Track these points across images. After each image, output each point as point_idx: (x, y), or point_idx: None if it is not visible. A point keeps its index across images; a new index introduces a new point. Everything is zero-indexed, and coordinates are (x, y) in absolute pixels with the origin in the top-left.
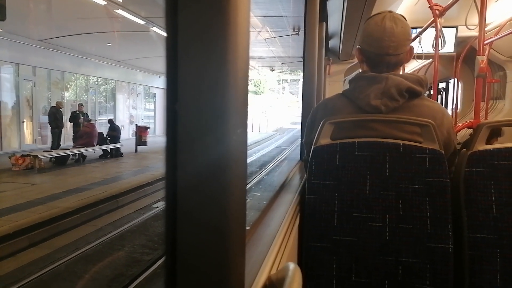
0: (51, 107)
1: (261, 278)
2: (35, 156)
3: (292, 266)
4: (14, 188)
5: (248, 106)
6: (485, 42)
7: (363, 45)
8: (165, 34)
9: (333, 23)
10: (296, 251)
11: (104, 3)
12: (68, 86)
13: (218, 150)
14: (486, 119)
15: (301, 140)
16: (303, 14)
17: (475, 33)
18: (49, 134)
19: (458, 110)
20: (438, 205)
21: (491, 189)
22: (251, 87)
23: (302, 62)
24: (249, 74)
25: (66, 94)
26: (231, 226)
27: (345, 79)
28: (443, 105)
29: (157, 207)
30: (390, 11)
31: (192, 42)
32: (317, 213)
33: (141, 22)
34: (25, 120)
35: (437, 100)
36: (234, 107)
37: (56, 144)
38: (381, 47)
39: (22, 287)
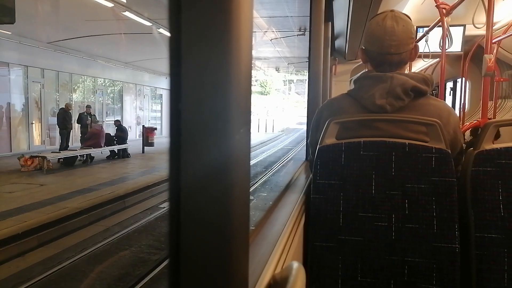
0: (60, 108)
1: (266, 277)
2: (44, 157)
3: (296, 265)
4: (23, 189)
5: (251, 106)
6: (493, 41)
7: (366, 45)
8: (169, 35)
9: (338, 23)
10: (301, 251)
11: (111, 5)
12: (76, 88)
13: (221, 149)
14: (494, 118)
15: (307, 140)
16: (309, 14)
17: (482, 31)
18: (57, 135)
19: (465, 110)
20: (444, 204)
21: (499, 189)
22: (257, 88)
23: (307, 63)
24: (253, 74)
25: (74, 96)
26: (234, 226)
27: (351, 79)
28: (452, 105)
29: (164, 208)
30: (392, 10)
31: (196, 42)
32: (322, 212)
33: (147, 23)
34: (34, 122)
35: (444, 100)
36: (237, 106)
37: (64, 145)
38: (382, 47)
39: (31, 287)
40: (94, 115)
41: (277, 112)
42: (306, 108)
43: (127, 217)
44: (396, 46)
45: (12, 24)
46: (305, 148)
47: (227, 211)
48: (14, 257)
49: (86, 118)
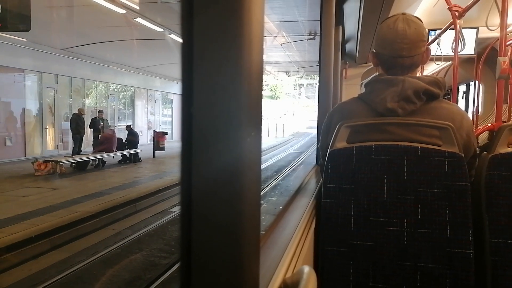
0: (73, 113)
1: (276, 281)
2: (57, 162)
3: (307, 269)
4: (37, 193)
5: (262, 109)
6: (507, 43)
7: (377, 48)
8: (181, 41)
9: (349, 26)
10: (312, 255)
11: (124, 11)
12: (89, 93)
13: (232, 153)
14: (508, 121)
15: (317, 145)
16: (319, 18)
17: (496, 34)
18: (71, 140)
19: (479, 113)
20: (458, 209)
21: None
22: (267, 92)
23: (318, 67)
24: (264, 79)
25: (87, 101)
26: (245, 229)
27: (362, 83)
28: (465, 108)
29: (174, 212)
30: (403, 13)
31: (207, 47)
32: (333, 217)
33: (159, 29)
34: (47, 127)
35: (457, 103)
36: (248, 110)
37: (77, 150)
38: (394, 50)
39: None
40: (106, 120)
41: (288, 117)
42: (317, 112)
43: (138, 221)
44: (408, 49)
45: (28, 31)
46: (316, 152)
47: (238, 215)
48: (27, 260)
49: (98, 123)
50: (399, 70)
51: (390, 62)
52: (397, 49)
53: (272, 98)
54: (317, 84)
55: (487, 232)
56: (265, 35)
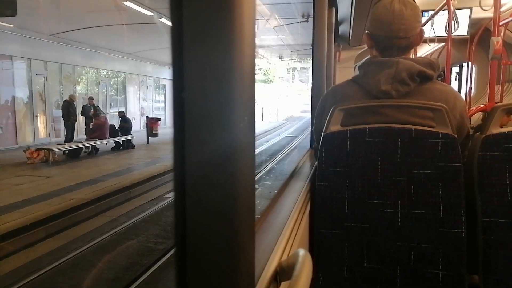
0: (64, 100)
1: (272, 265)
2: (49, 150)
3: (302, 252)
4: (30, 181)
5: (255, 93)
6: (500, 23)
7: (372, 30)
8: (170, 24)
9: (342, 8)
10: (307, 238)
11: None
12: (79, 80)
13: (225, 138)
14: (501, 102)
15: (311, 128)
16: (312, 0)
17: (490, 14)
18: (63, 127)
19: (472, 94)
20: (451, 190)
21: (506, 173)
22: (260, 77)
23: (311, 50)
24: (256, 63)
25: (78, 88)
26: (240, 214)
27: (355, 66)
28: (458, 89)
29: (169, 197)
30: None
31: (198, 30)
32: (328, 200)
33: (149, 13)
34: (38, 114)
35: (450, 84)
36: (240, 94)
37: (69, 137)
38: (391, 30)
39: (41, 276)
40: (98, 106)
41: (281, 101)
42: (311, 96)
43: (133, 208)
44: (405, 29)
45: (14, 16)
46: (310, 136)
47: (232, 199)
48: (24, 248)
49: (89, 110)
50: (395, 51)
51: (386, 43)
52: (394, 30)
53: (265, 82)
54: (310, 67)
55: (479, 211)
56: (257, 18)
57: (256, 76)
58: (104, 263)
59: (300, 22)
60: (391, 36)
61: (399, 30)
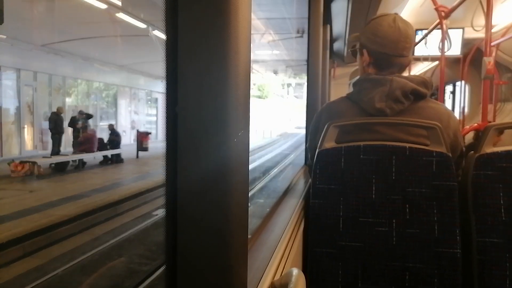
0: (52, 112)
1: (264, 284)
2: (34, 163)
3: (295, 271)
4: (11, 196)
5: (250, 108)
6: (492, 44)
7: (373, 47)
8: (165, 37)
9: (337, 25)
10: (301, 257)
11: (105, 6)
12: (70, 92)
13: (219, 153)
14: (494, 121)
15: (306, 145)
16: (307, 17)
17: (481, 34)
18: (50, 140)
19: (465, 113)
20: (445, 209)
21: (500, 192)
22: (255, 92)
23: (306, 66)
24: (251, 77)
25: (68, 100)
26: (232, 231)
27: (350, 82)
28: (452, 108)
29: (157, 215)
30: (396, 14)
31: (192, 44)
32: (322, 218)
33: (143, 25)
34: (25, 126)
35: (444, 103)
36: (235, 109)
37: (56, 150)
38: (396, 49)
39: None
40: (87, 116)
41: (275, 116)
42: (305, 112)
43: (118, 225)
44: (409, 48)
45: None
46: (304, 153)
47: (225, 216)
48: None
49: (77, 122)
50: (396, 69)
51: (388, 61)
52: (400, 48)
53: (260, 97)
54: (305, 83)
55: (474, 231)
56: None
57: (250, 91)
58: (84, 286)
59: (295, 37)
60: (396, 54)
61: (404, 49)
